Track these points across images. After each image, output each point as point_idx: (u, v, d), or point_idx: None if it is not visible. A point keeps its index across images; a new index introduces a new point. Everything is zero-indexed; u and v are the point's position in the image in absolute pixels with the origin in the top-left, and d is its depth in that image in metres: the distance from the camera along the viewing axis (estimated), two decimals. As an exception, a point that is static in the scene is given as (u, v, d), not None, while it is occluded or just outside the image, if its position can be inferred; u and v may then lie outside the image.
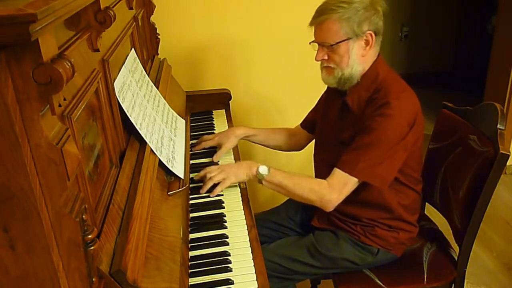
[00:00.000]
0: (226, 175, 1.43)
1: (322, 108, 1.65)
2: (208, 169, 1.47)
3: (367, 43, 1.37)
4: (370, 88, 1.39)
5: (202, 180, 1.47)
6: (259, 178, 1.42)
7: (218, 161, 1.66)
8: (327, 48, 1.38)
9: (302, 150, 1.84)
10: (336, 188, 1.35)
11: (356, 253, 1.47)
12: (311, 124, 1.74)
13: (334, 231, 1.51)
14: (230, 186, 1.46)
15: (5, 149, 0.60)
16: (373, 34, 1.36)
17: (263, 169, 1.41)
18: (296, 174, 1.43)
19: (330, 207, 1.38)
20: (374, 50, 1.40)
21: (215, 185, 1.44)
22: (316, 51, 1.41)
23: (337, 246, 1.48)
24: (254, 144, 1.85)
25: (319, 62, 1.43)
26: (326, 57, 1.40)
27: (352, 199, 1.42)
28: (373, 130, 1.32)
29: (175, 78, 2.06)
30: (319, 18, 1.36)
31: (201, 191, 1.45)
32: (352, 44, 1.35)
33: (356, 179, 1.35)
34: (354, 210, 1.46)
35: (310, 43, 1.43)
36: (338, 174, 1.36)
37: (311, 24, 1.40)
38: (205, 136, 1.76)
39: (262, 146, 1.85)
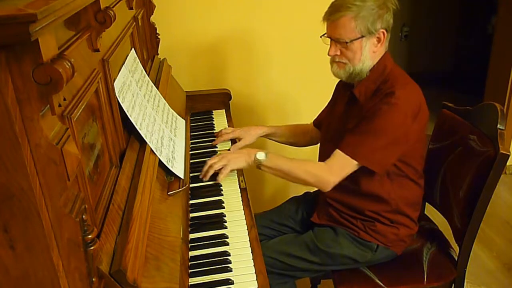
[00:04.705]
0: (227, 161, 1.47)
1: (331, 104, 1.68)
2: (210, 159, 1.52)
3: (379, 40, 1.40)
4: (377, 80, 1.42)
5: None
6: (257, 164, 1.46)
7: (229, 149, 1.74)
8: (341, 44, 1.40)
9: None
10: (335, 170, 1.39)
11: (356, 250, 1.48)
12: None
13: (334, 227, 1.52)
14: (230, 186, 1.46)
15: (5, 149, 0.60)
16: (385, 32, 1.39)
17: (260, 155, 1.45)
18: (295, 159, 1.47)
19: (327, 188, 1.41)
20: (384, 46, 1.43)
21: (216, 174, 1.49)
22: (328, 45, 1.43)
23: (337, 242, 1.48)
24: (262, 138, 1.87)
25: (324, 59, 1.45)
26: (338, 53, 1.42)
27: (354, 190, 1.44)
28: (377, 117, 1.35)
29: (175, 78, 2.06)
30: (335, 14, 1.37)
31: (201, 177, 1.49)
32: (366, 41, 1.38)
33: (356, 163, 1.37)
34: (356, 202, 1.48)
35: (321, 37, 1.44)
36: (338, 156, 1.39)
37: (324, 19, 1.41)
38: (225, 129, 1.82)
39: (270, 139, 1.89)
